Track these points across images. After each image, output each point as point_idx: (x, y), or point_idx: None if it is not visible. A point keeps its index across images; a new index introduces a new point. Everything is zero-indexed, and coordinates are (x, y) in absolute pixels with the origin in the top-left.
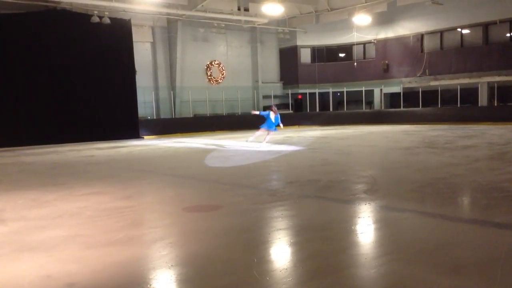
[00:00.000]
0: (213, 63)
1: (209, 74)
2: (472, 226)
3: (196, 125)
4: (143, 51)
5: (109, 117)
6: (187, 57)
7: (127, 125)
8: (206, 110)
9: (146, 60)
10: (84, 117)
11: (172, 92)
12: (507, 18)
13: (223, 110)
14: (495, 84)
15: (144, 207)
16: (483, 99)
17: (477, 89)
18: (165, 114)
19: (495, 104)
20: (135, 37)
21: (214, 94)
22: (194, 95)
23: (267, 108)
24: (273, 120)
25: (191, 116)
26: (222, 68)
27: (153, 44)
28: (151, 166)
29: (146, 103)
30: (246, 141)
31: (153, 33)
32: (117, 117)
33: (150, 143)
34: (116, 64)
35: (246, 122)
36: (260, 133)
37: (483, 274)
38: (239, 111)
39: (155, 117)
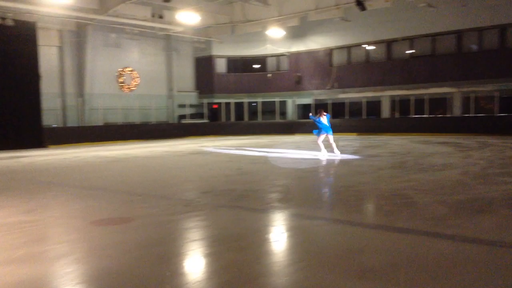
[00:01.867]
0: (125, 69)
1: (121, 81)
2: (377, 232)
3: (107, 134)
4: (49, 56)
5: (9, 124)
6: (97, 63)
7: (30, 133)
8: (118, 119)
9: (52, 65)
10: None
11: (81, 99)
12: (408, 36)
13: (136, 118)
14: (397, 98)
15: (48, 221)
16: (385, 111)
17: (380, 102)
18: (72, 122)
19: (397, 116)
20: (41, 40)
21: (127, 102)
22: (105, 102)
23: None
24: (326, 123)
25: (102, 124)
26: (135, 75)
27: (61, 48)
28: (56, 178)
29: (51, 111)
30: (319, 155)
31: (61, 37)
32: (19, 125)
33: (55, 153)
34: (19, 68)
35: (161, 131)
36: (321, 140)
37: (387, 278)
38: (153, 119)
39: (62, 125)
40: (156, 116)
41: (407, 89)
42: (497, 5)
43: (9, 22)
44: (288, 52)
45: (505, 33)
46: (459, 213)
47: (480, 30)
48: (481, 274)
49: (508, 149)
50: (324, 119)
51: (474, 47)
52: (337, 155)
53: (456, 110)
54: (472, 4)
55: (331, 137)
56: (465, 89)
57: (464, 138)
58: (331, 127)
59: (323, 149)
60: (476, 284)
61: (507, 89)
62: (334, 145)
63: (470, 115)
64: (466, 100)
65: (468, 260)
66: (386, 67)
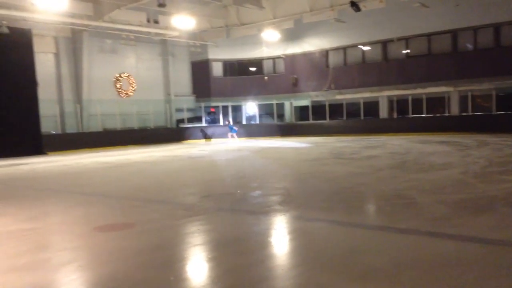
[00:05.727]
0: (122, 75)
1: (118, 87)
2: (378, 233)
3: (106, 139)
4: (45, 62)
5: (8, 132)
6: (94, 69)
7: (29, 140)
8: (117, 124)
9: (49, 72)
10: None
11: (78, 106)
12: (403, 36)
13: (134, 124)
14: (394, 98)
15: (51, 228)
16: (383, 112)
17: (378, 102)
18: (71, 128)
19: (395, 116)
20: (37, 47)
21: (125, 107)
22: (103, 108)
23: (226, 120)
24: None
25: (101, 130)
26: (132, 81)
27: (57, 55)
28: (57, 185)
29: (50, 117)
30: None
31: (57, 44)
32: (18, 132)
33: (55, 160)
34: (16, 76)
35: (159, 136)
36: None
37: (390, 279)
38: (151, 124)
39: (60, 132)
40: (154, 121)
41: (404, 89)
42: (490, 4)
43: (4, 30)
44: (284, 55)
45: (499, 31)
46: (460, 213)
47: (474, 29)
48: (484, 273)
49: (506, 147)
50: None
51: (469, 46)
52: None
53: (454, 109)
54: (466, 4)
55: (233, 134)
56: (462, 88)
57: (462, 137)
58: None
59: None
60: (479, 283)
61: (503, 87)
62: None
63: (468, 114)
64: (463, 99)
65: (471, 259)
66: (383, 67)
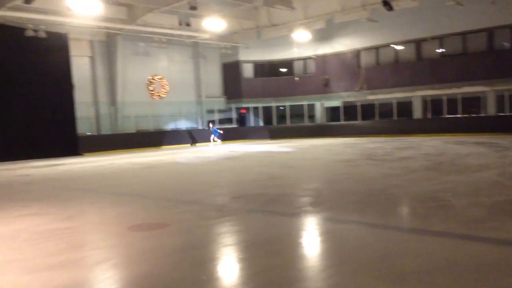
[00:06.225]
0: (155, 77)
1: (151, 89)
2: (412, 235)
3: (139, 141)
4: (81, 66)
5: (45, 134)
6: (128, 72)
7: (66, 142)
8: (150, 126)
9: (85, 75)
10: (19, 134)
11: (113, 108)
12: (437, 35)
13: (166, 125)
14: (428, 98)
15: (86, 227)
16: (417, 112)
17: (411, 102)
18: (106, 130)
19: (429, 117)
20: (73, 51)
21: (158, 109)
22: (137, 110)
23: (210, 122)
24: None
25: (134, 131)
26: (164, 83)
27: (92, 58)
28: (92, 185)
29: (85, 119)
30: (212, 141)
31: (92, 47)
32: (55, 134)
33: (90, 160)
34: (53, 78)
35: (191, 137)
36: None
37: (425, 282)
38: (183, 126)
39: (95, 133)
40: (185, 122)
41: (439, 88)
42: None
43: (42, 34)
44: (315, 55)
45: None
46: (497, 215)
47: (511, 27)
48: None
49: None
50: (211, 128)
51: (507, 44)
52: (219, 143)
53: (491, 109)
54: (502, 1)
55: (214, 137)
56: (498, 88)
57: (499, 138)
58: (217, 132)
59: (213, 142)
60: None
61: None
62: (218, 141)
63: (506, 114)
64: (500, 99)
65: (508, 263)
66: (416, 67)
